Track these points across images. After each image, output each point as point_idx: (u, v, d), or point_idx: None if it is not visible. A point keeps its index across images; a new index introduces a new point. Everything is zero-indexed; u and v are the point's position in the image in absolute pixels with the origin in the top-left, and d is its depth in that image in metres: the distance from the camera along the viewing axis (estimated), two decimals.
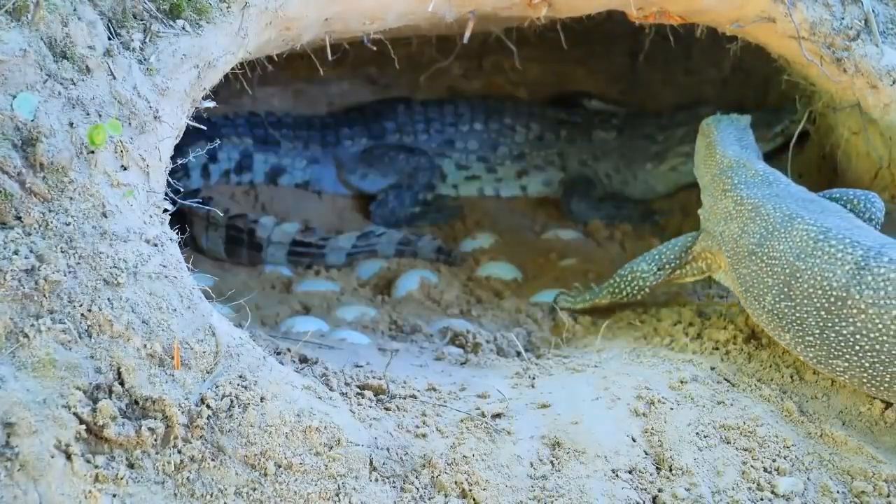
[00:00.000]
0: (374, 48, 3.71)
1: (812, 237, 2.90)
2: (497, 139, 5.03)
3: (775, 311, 2.94)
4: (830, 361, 2.84)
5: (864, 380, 2.80)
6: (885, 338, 2.72)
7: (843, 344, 2.79)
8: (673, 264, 3.37)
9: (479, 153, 5.04)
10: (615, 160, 4.99)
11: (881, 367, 2.75)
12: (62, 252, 2.42)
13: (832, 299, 2.80)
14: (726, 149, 3.38)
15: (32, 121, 2.48)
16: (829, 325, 2.80)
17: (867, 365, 2.77)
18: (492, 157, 5.04)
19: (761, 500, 2.64)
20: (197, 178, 4.74)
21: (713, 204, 3.31)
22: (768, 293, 2.96)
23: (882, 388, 2.79)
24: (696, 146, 3.61)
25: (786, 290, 2.91)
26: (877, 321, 2.73)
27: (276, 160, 4.91)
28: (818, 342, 2.84)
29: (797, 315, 2.88)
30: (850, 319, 2.77)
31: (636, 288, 3.43)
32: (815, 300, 2.84)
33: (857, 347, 2.77)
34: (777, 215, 3.04)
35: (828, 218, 2.98)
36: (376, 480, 2.52)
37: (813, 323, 2.84)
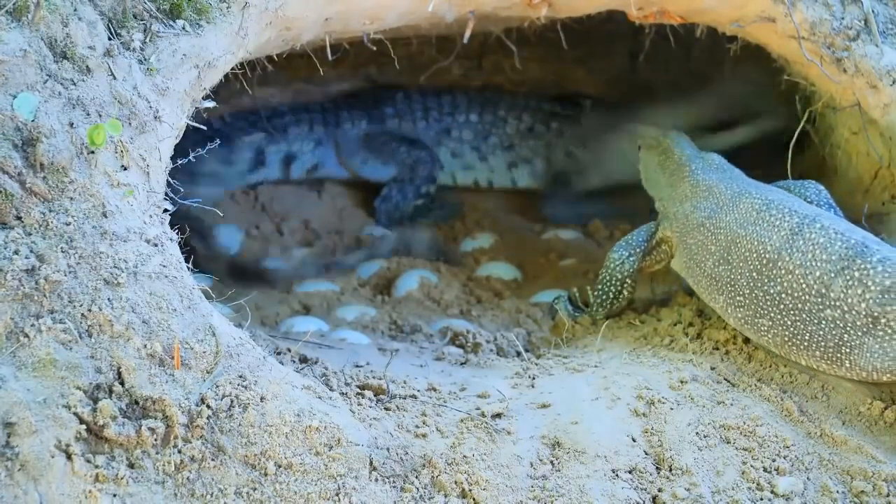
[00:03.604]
0: (374, 48, 3.71)
1: (755, 208, 3.14)
2: (490, 130, 5.05)
3: (713, 275, 3.17)
4: (756, 320, 3.03)
5: (786, 338, 2.96)
6: (807, 297, 2.92)
7: (769, 303, 2.99)
8: (641, 248, 3.46)
9: (472, 143, 5.06)
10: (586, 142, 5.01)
11: (801, 326, 2.93)
12: (62, 252, 2.42)
13: (764, 261, 3.03)
14: (684, 149, 3.58)
15: (33, 121, 2.48)
16: (759, 285, 3.03)
17: (789, 323, 2.95)
18: (483, 147, 5.06)
19: (761, 499, 2.64)
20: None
21: (672, 192, 3.48)
22: (710, 259, 3.20)
23: (801, 349, 2.94)
24: (645, 161, 3.74)
25: (725, 255, 3.15)
26: (801, 282, 2.93)
27: (286, 148, 4.92)
28: (747, 301, 3.04)
29: (731, 277, 3.11)
30: (779, 279, 2.98)
31: (618, 283, 3.48)
32: (750, 262, 3.07)
33: (782, 306, 2.96)
34: (728, 193, 3.27)
35: (773, 193, 3.20)
36: (376, 480, 2.52)
37: (744, 283, 3.06)
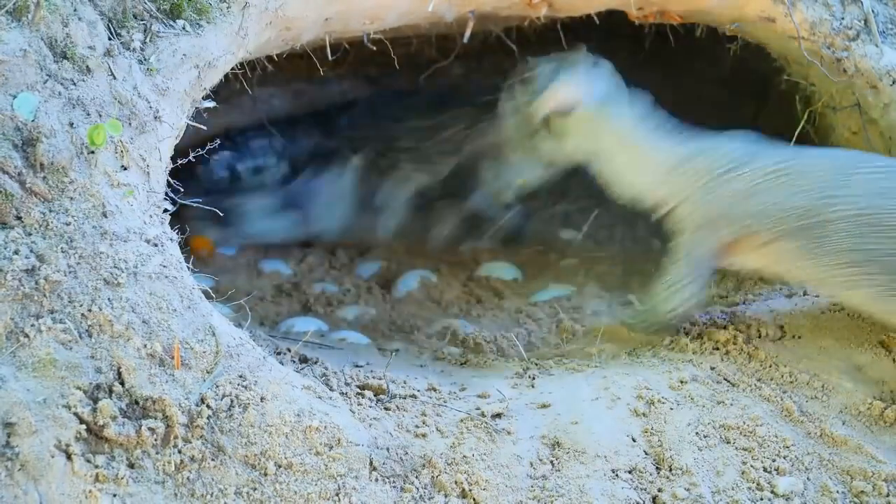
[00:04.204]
0: (374, 48, 3.71)
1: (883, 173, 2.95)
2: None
3: (853, 249, 2.92)
4: None
5: None
6: None
7: None
8: (700, 290, 3.19)
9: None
10: None
11: None
12: (62, 252, 2.42)
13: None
14: (648, 133, 3.18)
15: (33, 121, 2.48)
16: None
17: None
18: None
19: (761, 499, 2.65)
20: None
21: (698, 201, 3.10)
22: (845, 237, 2.92)
23: None
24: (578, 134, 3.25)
25: (857, 228, 2.91)
26: None
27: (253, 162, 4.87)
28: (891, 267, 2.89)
29: (874, 246, 2.89)
30: None
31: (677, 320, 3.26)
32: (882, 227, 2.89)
33: None
34: (822, 167, 3.01)
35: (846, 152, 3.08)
36: (376, 480, 2.52)
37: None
